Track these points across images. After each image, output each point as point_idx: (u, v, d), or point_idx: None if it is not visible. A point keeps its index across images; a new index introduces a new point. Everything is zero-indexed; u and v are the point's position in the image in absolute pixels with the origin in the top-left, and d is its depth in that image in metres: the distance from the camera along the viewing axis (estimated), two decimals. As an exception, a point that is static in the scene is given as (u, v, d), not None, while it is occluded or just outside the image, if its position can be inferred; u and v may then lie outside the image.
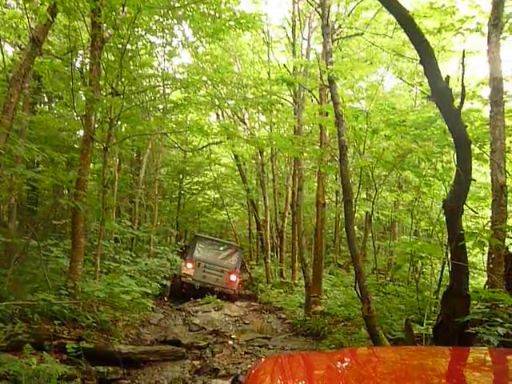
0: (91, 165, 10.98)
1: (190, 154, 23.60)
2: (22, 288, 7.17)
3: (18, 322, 5.96)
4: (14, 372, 4.54)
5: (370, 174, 11.05)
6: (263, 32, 16.92)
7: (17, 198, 10.38)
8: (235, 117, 20.37)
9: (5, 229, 9.63)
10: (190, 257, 14.60)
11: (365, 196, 15.84)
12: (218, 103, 15.17)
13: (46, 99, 16.17)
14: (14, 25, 11.95)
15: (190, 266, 14.29)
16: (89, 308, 7.62)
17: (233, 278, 14.58)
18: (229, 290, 14.41)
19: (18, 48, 13.04)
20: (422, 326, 6.39)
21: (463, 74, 4.72)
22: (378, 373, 1.98)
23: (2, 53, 10.28)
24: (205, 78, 13.68)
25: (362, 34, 12.78)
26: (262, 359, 2.52)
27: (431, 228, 10.35)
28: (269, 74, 17.35)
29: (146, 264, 13.63)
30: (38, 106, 15.30)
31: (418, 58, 4.56)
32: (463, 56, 5.15)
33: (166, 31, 11.28)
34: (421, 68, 6.08)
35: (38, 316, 6.63)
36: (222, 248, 15.42)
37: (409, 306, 8.37)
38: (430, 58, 4.44)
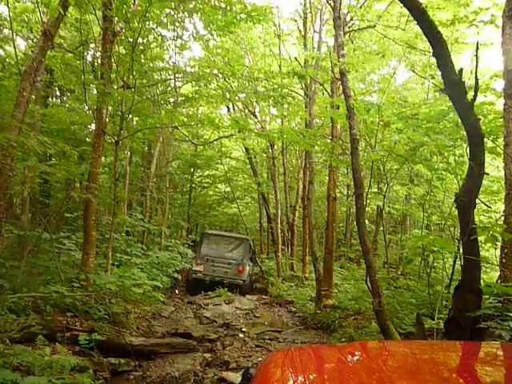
0: (103, 158, 11.05)
1: (201, 147, 23.64)
2: (35, 280, 7.24)
3: (31, 314, 6.03)
4: (27, 363, 4.59)
5: (382, 168, 10.99)
6: (274, 25, 16.84)
7: (29, 191, 10.47)
8: (246, 110, 20.33)
9: (18, 221, 9.73)
10: (199, 254, 15.13)
11: (376, 190, 15.76)
12: (228, 96, 15.15)
13: (57, 93, 16.27)
14: (25, 18, 12.03)
15: (199, 262, 14.82)
16: (101, 300, 7.69)
17: (241, 268, 14.98)
18: (238, 280, 14.79)
19: (30, 42, 13.13)
20: (433, 320, 6.36)
21: (477, 66, 4.67)
22: (388, 366, 1.97)
23: (15, 47, 10.35)
24: (216, 71, 13.67)
25: (374, 26, 12.65)
26: (273, 352, 2.52)
27: (443, 222, 10.28)
28: (280, 66, 17.29)
29: (157, 257, 13.71)
30: (50, 99, 15.40)
31: (431, 50, 4.51)
32: (477, 48, 5.10)
33: (177, 24, 11.29)
34: (434, 60, 6.01)
35: (51, 308, 6.71)
36: (228, 241, 15.78)
37: (420, 300, 8.34)
38: (443, 51, 4.39)
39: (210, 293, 13.91)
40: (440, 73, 4.66)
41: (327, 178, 13.29)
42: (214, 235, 16.19)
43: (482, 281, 5.03)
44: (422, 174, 13.56)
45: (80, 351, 6.05)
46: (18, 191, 10.79)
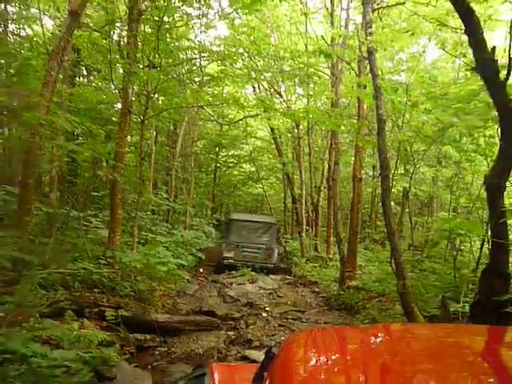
0: (129, 137, 11.13)
1: (226, 127, 23.62)
2: (63, 257, 7.39)
3: (59, 290, 6.17)
4: (56, 337, 4.72)
5: (409, 149, 10.81)
6: (301, 2, 16.56)
7: (58, 170, 10.63)
8: (272, 89, 20.17)
9: (46, 199, 9.91)
10: (228, 239, 15.40)
11: (402, 171, 15.53)
12: (254, 76, 15.04)
13: (84, 72, 16.38)
14: (53, -2, 12.07)
15: (229, 248, 15.12)
16: (127, 277, 7.83)
17: (270, 252, 15.31)
18: (268, 264, 15.12)
19: (57, 21, 13.21)
20: (459, 303, 6.29)
21: (510, 44, 4.51)
22: (412, 349, 1.95)
23: (42, 26, 10.45)
24: (241, 50, 13.56)
25: (404, 3, 12.28)
26: (296, 332, 2.52)
27: (471, 205, 10.08)
28: (306, 45, 17.03)
29: (182, 236, 13.84)
30: (77, 78, 15.52)
31: (463, 27, 4.37)
32: (511, 26, 4.91)
33: (203, 2, 11.17)
34: (465, 38, 5.83)
35: (79, 284, 6.86)
36: (256, 226, 16.01)
37: (445, 283, 8.24)
38: (476, 28, 4.26)
39: (233, 272, 14.06)
40: (472, 51, 4.52)
41: (353, 158, 13.16)
42: (242, 220, 16.33)
43: (509, 265, 4.94)
44: (451, 156, 13.29)
45: (107, 326, 6.19)
46: (47, 170, 10.96)
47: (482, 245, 8.02)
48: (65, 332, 4.86)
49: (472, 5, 4.57)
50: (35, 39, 13.10)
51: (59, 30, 10.28)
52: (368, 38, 8.28)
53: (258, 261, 15.06)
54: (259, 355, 5.76)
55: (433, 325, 4.08)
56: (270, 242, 15.61)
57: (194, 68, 14.16)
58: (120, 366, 5.15)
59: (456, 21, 9.40)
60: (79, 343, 4.80)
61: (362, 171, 14.12)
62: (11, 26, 14.13)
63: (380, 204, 12.13)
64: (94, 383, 4.61)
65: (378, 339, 2.12)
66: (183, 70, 13.92)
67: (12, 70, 13.80)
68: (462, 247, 10.06)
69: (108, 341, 5.45)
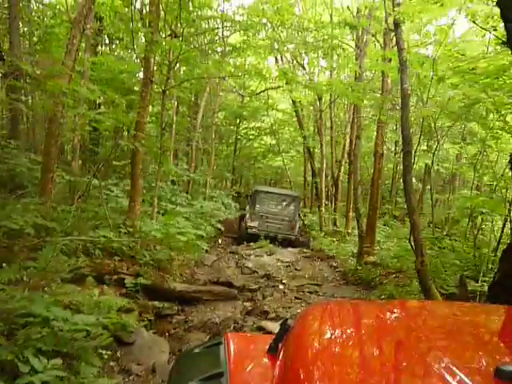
0: (150, 107, 11.13)
1: (248, 98, 23.45)
2: (85, 224, 7.52)
3: (80, 257, 6.29)
4: (77, 302, 4.83)
5: (433, 125, 10.60)
6: (327, -29, 16.16)
7: (79, 139, 10.72)
8: (294, 61, 19.89)
9: (69, 167, 10.03)
10: (253, 210, 15.91)
11: (425, 147, 15.29)
12: (277, 47, 14.82)
13: (107, 41, 16.34)
14: (76, -35, 11.96)
15: (253, 218, 15.60)
16: (146, 246, 7.94)
17: (293, 224, 15.92)
18: (290, 236, 15.73)
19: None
20: (477, 282, 6.25)
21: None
22: (427, 326, 1.95)
23: (65, -7, 10.38)
24: (264, 21, 13.34)
25: (434, -28, 11.90)
26: (312, 305, 2.53)
27: (495, 183, 9.91)
28: (331, 16, 16.65)
29: (202, 207, 13.94)
30: (99, 47, 15.50)
31: (495, -2, 4.21)
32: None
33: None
34: (497, 10, 5.63)
35: (99, 251, 6.97)
36: (280, 199, 16.47)
37: (465, 262, 8.18)
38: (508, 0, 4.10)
39: (251, 244, 14.17)
40: (503, 24, 4.36)
41: (375, 133, 12.98)
42: (267, 192, 16.80)
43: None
44: (476, 133, 13.02)
45: (126, 293, 6.31)
46: (69, 138, 11.06)
47: (504, 224, 7.92)
48: (85, 297, 4.97)
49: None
50: (58, 7, 13.08)
51: (82, -2, 10.21)
52: (395, 9, 8.06)
53: (281, 232, 15.58)
54: (275, 327, 5.82)
55: (450, 303, 4.06)
56: (294, 214, 16.14)
57: (216, 38, 14.02)
58: (139, 333, 5.26)
59: (488, -8, 9.08)
60: (99, 309, 4.90)
61: (384, 147, 13.94)
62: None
63: (401, 180, 12.00)
64: (113, 348, 4.73)
65: (394, 315, 2.12)
66: (205, 40, 13.80)
67: (35, 38, 13.85)
68: (484, 226, 9.94)
69: (127, 307, 5.55)
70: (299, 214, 17.40)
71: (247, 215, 15.90)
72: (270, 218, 15.77)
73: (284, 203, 16.31)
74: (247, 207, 16.62)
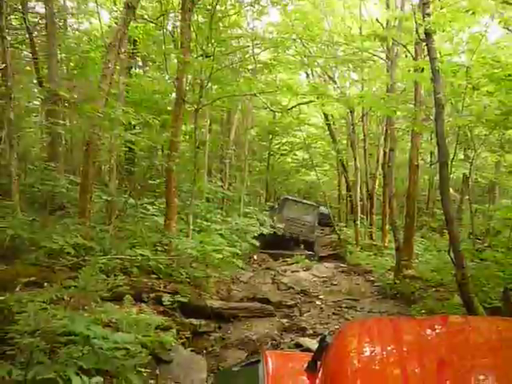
0: (183, 126, 11.30)
1: (280, 114, 23.51)
2: (122, 243, 7.64)
3: (119, 275, 6.38)
4: (116, 320, 4.90)
5: (469, 134, 10.39)
6: (355, -16, 16.16)
7: (116, 159, 10.96)
8: (325, 75, 19.87)
9: (106, 188, 10.25)
10: (281, 214, 17.70)
11: (462, 157, 14.97)
12: (307, 62, 14.85)
13: (140, 63, 16.75)
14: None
15: (280, 220, 16.78)
16: (182, 264, 8.00)
17: (312, 229, 18.27)
18: (309, 238, 17.86)
19: (113, 14, 13.55)
20: (523, 295, 6.03)
21: None
22: (471, 343, 1.89)
23: (100, 19, 10.74)
24: (294, 37, 13.40)
25: (464, -20, 11.75)
26: (350, 321, 2.50)
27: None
28: (360, 29, 16.61)
29: (237, 223, 13.95)
30: (133, 69, 15.90)
31: (529, 4, 4.13)
32: None
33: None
34: (531, 16, 5.50)
35: (137, 270, 7.07)
36: (304, 206, 19.10)
37: (508, 274, 7.90)
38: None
39: (288, 259, 14.11)
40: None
41: (409, 144, 12.79)
42: (293, 200, 19.33)
43: None
44: (515, 140, 12.69)
45: (164, 311, 6.37)
46: (106, 159, 11.32)
47: (549, 234, 7.64)
48: (124, 315, 5.03)
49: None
50: (93, 32, 13.51)
51: (116, 23, 10.54)
52: (425, 19, 7.95)
53: (303, 234, 17.77)
54: (313, 343, 5.76)
55: (494, 318, 3.94)
56: (314, 220, 18.46)
57: (247, 56, 14.15)
58: (176, 350, 5.30)
59: (521, -3, 8.89)
60: (138, 327, 4.95)
61: (419, 158, 13.72)
62: (70, 21, 14.64)
63: (438, 191, 11.77)
64: (152, 366, 4.76)
65: (436, 331, 2.07)
66: (236, 58, 13.95)
67: (72, 64, 14.31)
68: (527, 236, 9.62)
69: (165, 325, 5.60)
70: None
71: (275, 218, 16.83)
72: (294, 221, 17.82)
73: (306, 211, 18.68)
74: (276, 212, 18.29)
